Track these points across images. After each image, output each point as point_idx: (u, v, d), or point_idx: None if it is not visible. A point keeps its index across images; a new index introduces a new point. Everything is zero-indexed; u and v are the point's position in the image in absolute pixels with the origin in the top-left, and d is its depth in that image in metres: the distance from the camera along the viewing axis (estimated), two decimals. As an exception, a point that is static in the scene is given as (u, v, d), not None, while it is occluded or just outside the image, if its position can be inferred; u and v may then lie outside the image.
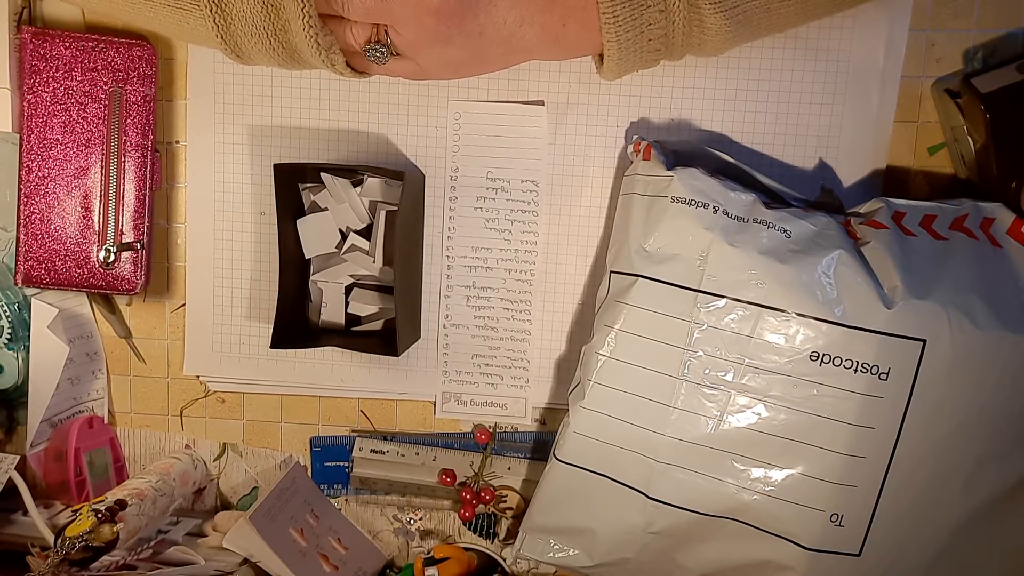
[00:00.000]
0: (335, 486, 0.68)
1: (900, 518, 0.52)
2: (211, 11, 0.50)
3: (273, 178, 0.59)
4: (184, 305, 0.66)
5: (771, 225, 0.52)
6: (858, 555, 0.53)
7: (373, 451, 0.67)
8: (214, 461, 0.69)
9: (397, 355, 0.59)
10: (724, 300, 0.52)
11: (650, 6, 0.49)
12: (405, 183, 0.57)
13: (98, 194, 0.61)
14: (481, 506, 0.66)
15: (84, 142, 0.61)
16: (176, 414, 0.68)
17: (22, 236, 0.61)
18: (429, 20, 0.49)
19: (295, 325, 0.62)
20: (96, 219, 0.62)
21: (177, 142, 0.64)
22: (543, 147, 0.62)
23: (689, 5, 0.49)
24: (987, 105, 0.54)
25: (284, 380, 0.67)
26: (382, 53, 0.52)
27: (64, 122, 0.61)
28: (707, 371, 0.53)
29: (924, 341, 0.50)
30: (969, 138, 0.57)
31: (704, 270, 0.52)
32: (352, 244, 0.62)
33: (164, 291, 0.66)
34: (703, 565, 0.56)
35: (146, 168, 0.62)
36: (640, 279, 0.54)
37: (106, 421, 0.68)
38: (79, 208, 0.61)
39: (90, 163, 0.61)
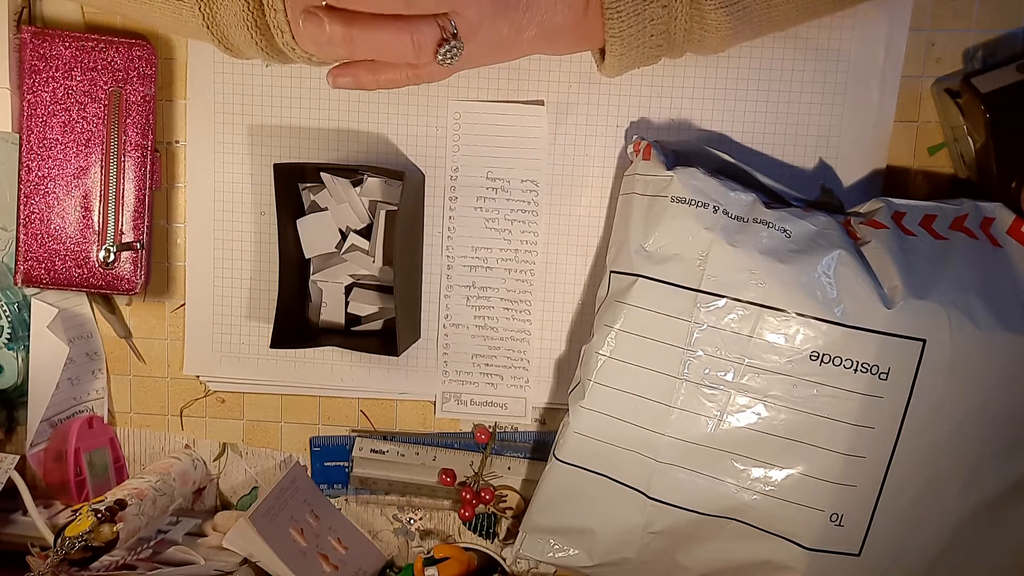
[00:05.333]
0: (335, 486, 0.68)
1: (900, 518, 0.52)
2: (198, 1, 0.50)
3: (273, 178, 0.59)
4: (184, 305, 0.66)
5: (771, 225, 0.52)
6: (858, 555, 0.53)
7: (373, 451, 0.67)
8: (214, 461, 0.69)
9: (397, 355, 0.59)
10: (724, 300, 0.52)
11: (652, 1, 0.49)
12: (405, 183, 0.57)
13: (98, 194, 0.61)
14: (481, 506, 0.66)
15: (84, 142, 0.61)
16: (176, 414, 0.68)
17: (22, 236, 0.61)
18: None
19: (295, 325, 0.62)
20: (96, 219, 0.62)
21: (177, 142, 0.64)
22: (543, 147, 0.62)
23: (691, 1, 0.49)
24: (987, 105, 0.54)
25: (284, 380, 0.67)
26: (458, 48, 0.48)
27: (64, 122, 0.61)
28: (707, 371, 0.53)
29: (924, 341, 0.50)
30: (969, 138, 0.57)
31: (704, 270, 0.52)
32: (352, 244, 0.62)
33: (164, 291, 0.66)
34: (703, 565, 0.56)
35: (146, 168, 0.62)
36: (640, 279, 0.54)
37: (106, 421, 0.68)
38: (79, 208, 0.61)
39: (90, 163, 0.61)
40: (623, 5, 0.49)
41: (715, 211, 0.53)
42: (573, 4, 0.50)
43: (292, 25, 0.50)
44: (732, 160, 0.58)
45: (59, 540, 0.54)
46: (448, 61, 0.48)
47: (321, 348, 0.64)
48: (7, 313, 0.64)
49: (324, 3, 0.47)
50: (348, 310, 0.63)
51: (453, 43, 0.47)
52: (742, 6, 0.50)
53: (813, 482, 0.52)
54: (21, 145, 0.61)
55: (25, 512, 0.61)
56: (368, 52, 0.48)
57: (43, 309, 0.63)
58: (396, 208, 0.59)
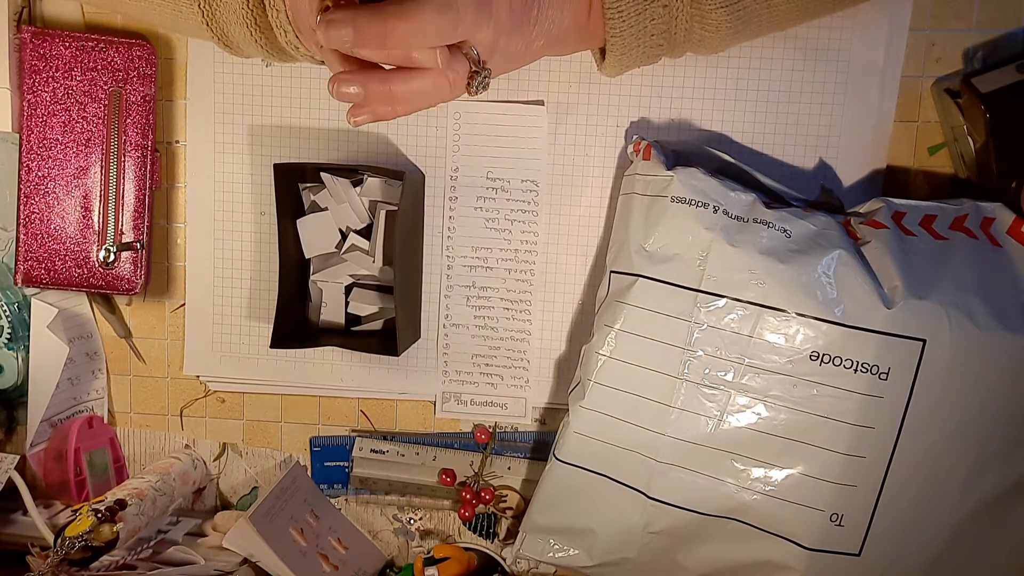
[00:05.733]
0: (335, 486, 0.68)
1: (900, 518, 0.52)
2: None
3: (273, 178, 0.59)
4: (184, 305, 0.66)
5: (771, 225, 0.52)
6: (858, 555, 0.53)
7: (373, 451, 0.67)
8: (214, 461, 0.69)
9: (397, 355, 0.59)
10: (724, 300, 0.52)
11: (653, 1, 0.49)
12: (405, 183, 0.57)
13: (98, 194, 0.61)
14: (481, 506, 0.66)
15: (84, 142, 0.61)
16: (176, 414, 0.68)
17: (22, 236, 0.61)
18: (503, 12, 0.47)
19: (295, 325, 0.62)
20: (96, 219, 0.62)
21: (177, 142, 0.64)
22: (543, 147, 0.62)
23: (692, 0, 0.49)
24: (987, 105, 0.54)
25: (284, 380, 0.67)
26: (487, 77, 0.48)
27: (64, 122, 0.60)
28: (707, 371, 0.53)
29: (924, 341, 0.50)
30: (969, 138, 0.57)
31: (704, 270, 0.52)
32: (352, 244, 0.62)
33: (164, 291, 0.66)
34: (703, 565, 0.56)
35: (146, 168, 0.62)
36: (640, 279, 0.54)
37: (106, 421, 0.68)
38: (79, 208, 0.61)
39: (90, 163, 0.61)
40: (624, 5, 0.49)
41: (715, 211, 0.53)
42: (577, 10, 0.50)
43: (295, 25, 0.50)
44: (732, 160, 0.58)
45: (59, 540, 0.54)
46: (479, 91, 0.48)
47: (321, 348, 0.64)
48: (7, 313, 0.64)
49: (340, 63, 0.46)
50: (348, 310, 0.63)
51: (484, 73, 0.48)
52: (742, 6, 0.50)
53: (813, 482, 0.52)
54: (21, 145, 0.61)
55: (25, 512, 0.61)
56: (408, 102, 0.47)
57: (43, 309, 0.63)
58: (396, 208, 0.59)
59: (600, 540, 0.57)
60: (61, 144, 0.61)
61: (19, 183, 0.61)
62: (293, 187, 0.62)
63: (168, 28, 0.62)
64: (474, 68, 0.47)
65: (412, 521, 0.68)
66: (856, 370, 0.50)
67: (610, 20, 0.50)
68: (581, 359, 0.58)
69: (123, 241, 0.62)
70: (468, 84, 0.48)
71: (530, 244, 0.63)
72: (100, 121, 0.61)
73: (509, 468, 0.66)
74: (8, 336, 0.64)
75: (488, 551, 0.68)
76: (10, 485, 0.61)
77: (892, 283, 0.50)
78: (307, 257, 0.63)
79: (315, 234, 0.62)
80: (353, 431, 0.68)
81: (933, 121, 0.60)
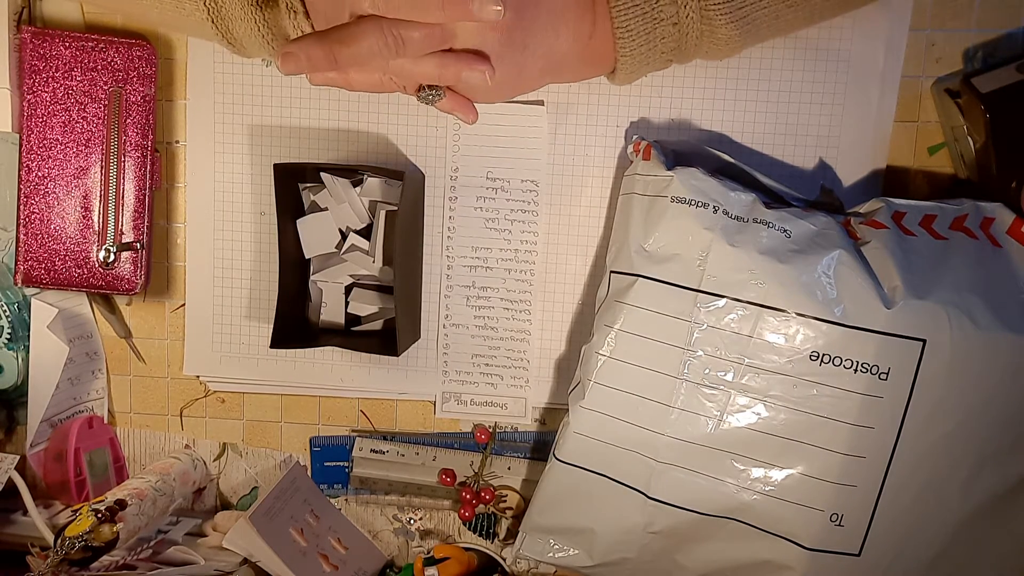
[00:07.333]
0: (335, 486, 0.68)
1: (900, 518, 0.52)
2: None
3: (273, 178, 0.59)
4: (184, 305, 0.66)
5: (771, 225, 0.52)
6: (858, 555, 0.53)
7: (373, 451, 0.67)
8: (214, 461, 0.69)
9: (397, 355, 0.59)
10: (724, 300, 0.52)
11: (663, 20, 0.49)
12: (405, 183, 0.57)
13: (98, 194, 0.61)
14: (481, 506, 0.66)
15: (84, 142, 0.61)
16: (176, 414, 0.68)
17: (22, 236, 0.61)
18: (489, 37, 0.48)
19: (295, 325, 0.62)
20: (96, 219, 0.62)
21: (177, 142, 0.64)
22: (543, 147, 0.62)
23: (701, 18, 0.49)
24: (987, 105, 0.54)
25: (284, 380, 0.67)
26: (438, 93, 0.51)
27: (64, 122, 0.61)
28: (707, 371, 0.53)
29: (924, 341, 0.50)
30: (969, 138, 0.57)
31: (704, 270, 0.52)
32: (352, 244, 0.62)
33: (164, 291, 0.66)
34: (703, 565, 0.56)
35: (146, 168, 0.62)
36: (640, 279, 0.54)
37: (106, 421, 0.68)
38: (79, 208, 0.61)
39: (90, 163, 0.61)
40: (634, 25, 0.49)
41: (715, 211, 0.53)
42: (577, 34, 0.50)
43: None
44: (732, 160, 0.58)
45: (59, 540, 0.54)
46: (428, 103, 0.52)
47: (321, 348, 0.64)
48: (7, 313, 0.64)
49: (299, 40, 0.50)
50: (348, 310, 0.63)
51: (428, 92, 0.51)
52: (751, 20, 0.50)
53: (813, 482, 0.52)
54: (21, 145, 0.61)
55: (25, 512, 0.61)
56: (353, 89, 0.52)
57: (43, 309, 0.63)
58: (396, 208, 0.59)
59: (600, 540, 0.57)
60: (61, 144, 0.61)
61: (19, 183, 0.61)
62: (293, 187, 0.62)
63: (170, 28, 0.62)
64: (423, 85, 0.51)
65: (412, 521, 0.68)
66: (856, 370, 0.50)
67: (620, 40, 0.50)
68: (581, 359, 0.58)
69: (123, 241, 0.62)
70: (417, 92, 0.52)
71: (530, 244, 0.63)
72: (100, 121, 0.61)
73: (509, 468, 0.66)
74: (8, 336, 0.64)
75: (488, 551, 0.68)
76: (10, 485, 0.61)
77: (892, 283, 0.50)
78: (307, 257, 0.63)
79: (315, 234, 0.62)
80: (353, 431, 0.68)
81: (933, 121, 0.60)
